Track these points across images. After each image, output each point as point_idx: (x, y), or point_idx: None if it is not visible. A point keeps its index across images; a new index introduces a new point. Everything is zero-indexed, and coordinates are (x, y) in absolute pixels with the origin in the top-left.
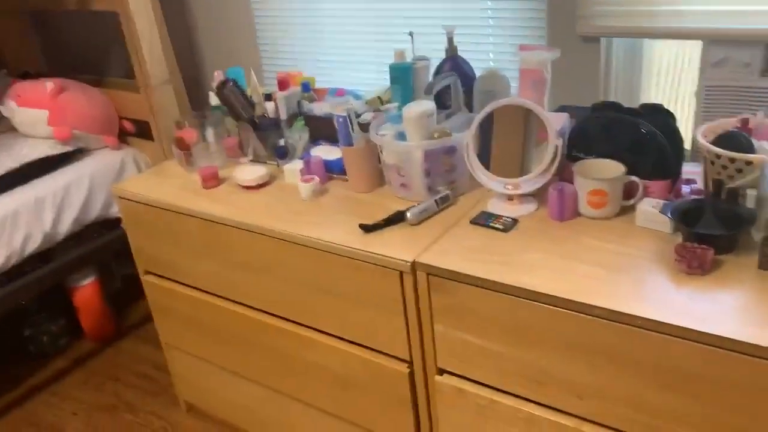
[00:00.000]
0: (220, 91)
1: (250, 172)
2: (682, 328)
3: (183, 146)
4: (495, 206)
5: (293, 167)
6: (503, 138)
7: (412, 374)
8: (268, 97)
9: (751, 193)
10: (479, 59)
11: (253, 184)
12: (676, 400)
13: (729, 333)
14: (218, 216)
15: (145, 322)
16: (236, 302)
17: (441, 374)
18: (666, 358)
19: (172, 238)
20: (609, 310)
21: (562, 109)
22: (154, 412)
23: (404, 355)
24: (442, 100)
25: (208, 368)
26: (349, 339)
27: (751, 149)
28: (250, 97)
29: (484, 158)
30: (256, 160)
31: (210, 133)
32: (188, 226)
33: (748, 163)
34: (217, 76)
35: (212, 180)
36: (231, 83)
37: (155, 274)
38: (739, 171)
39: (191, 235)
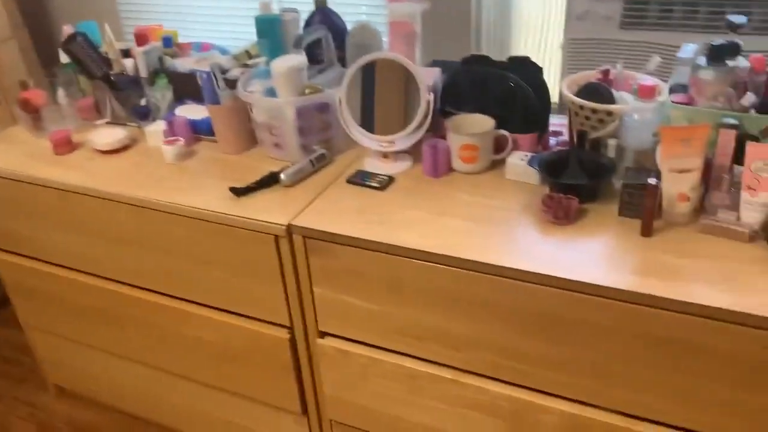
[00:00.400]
0: (67, 46)
1: (107, 135)
2: (548, 276)
3: (29, 109)
4: (371, 164)
5: (156, 129)
6: (385, 95)
7: (293, 339)
8: (127, 53)
9: (612, 142)
10: (352, 12)
11: (112, 148)
12: (545, 346)
13: (591, 279)
14: (73, 185)
15: (3, 304)
16: (101, 277)
17: (322, 337)
18: (535, 306)
19: (23, 212)
20: (480, 262)
21: (435, 63)
22: (20, 398)
23: (284, 320)
24: (314, 55)
25: (76, 348)
26: (226, 309)
27: (611, 100)
28: (105, 53)
29: (369, 117)
30: (116, 122)
31: (61, 93)
32: (41, 198)
33: (609, 113)
34: (66, 31)
35: (65, 145)
36: (80, 38)
37: (8, 251)
38: (601, 121)
39: (45, 207)
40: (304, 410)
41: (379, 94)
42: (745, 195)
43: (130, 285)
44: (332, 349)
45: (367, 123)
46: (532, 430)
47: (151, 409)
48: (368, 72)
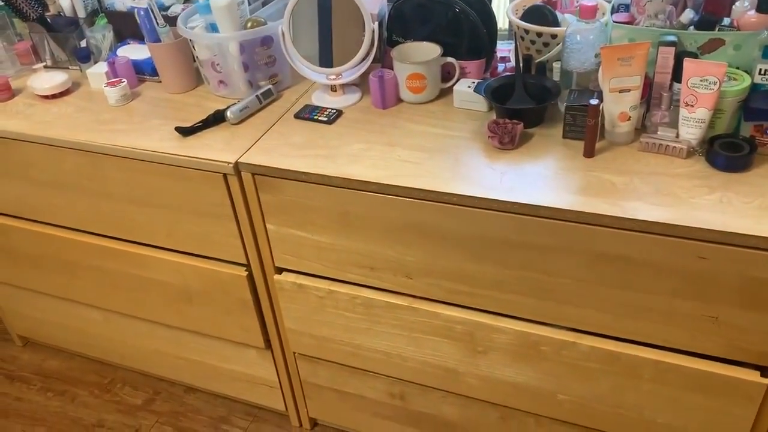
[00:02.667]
0: None
1: (47, 79)
2: (493, 200)
3: None
4: (319, 98)
5: (98, 71)
6: (341, 27)
7: (251, 276)
8: None
9: (557, 66)
10: None
11: (53, 92)
12: (494, 269)
13: (533, 200)
14: (14, 132)
15: None
16: (50, 224)
17: (279, 273)
18: (482, 231)
19: None
20: (426, 190)
21: None
22: None
23: (240, 258)
24: None
25: (34, 298)
26: (182, 250)
27: (556, 23)
28: None
29: (327, 51)
30: (56, 65)
31: None
32: None
33: (554, 36)
34: None
35: (3, 91)
36: None
37: None
38: (546, 45)
39: None
40: (268, 344)
41: (336, 27)
42: (683, 111)
43: (82, 231)
44: (289, 284)
45: (326, 57)
46: (486, 349)
47: (118, 354)
48: (324, 4)
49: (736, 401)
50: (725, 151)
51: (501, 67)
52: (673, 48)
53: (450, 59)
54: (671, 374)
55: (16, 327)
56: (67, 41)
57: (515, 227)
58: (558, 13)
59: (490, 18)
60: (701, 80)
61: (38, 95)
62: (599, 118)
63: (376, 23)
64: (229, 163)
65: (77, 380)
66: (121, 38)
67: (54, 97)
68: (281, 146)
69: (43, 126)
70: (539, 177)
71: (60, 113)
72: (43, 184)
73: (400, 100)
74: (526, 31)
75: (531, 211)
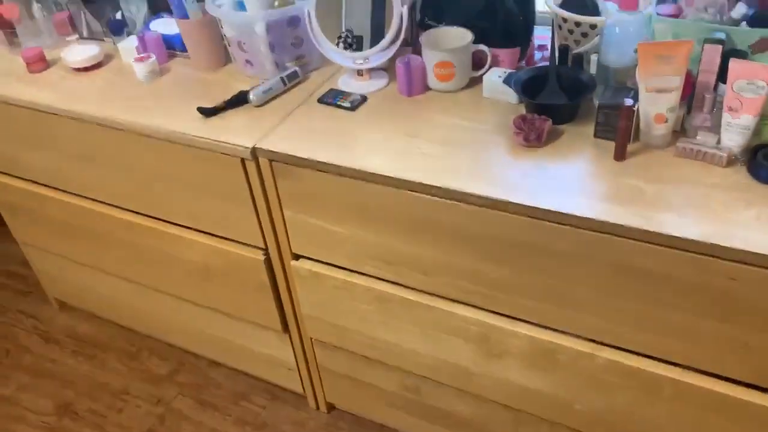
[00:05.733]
0: None
1: (80, 52)
2: (512, 203)
3: (3, 24)
4: (345, 83)
5: (130, 45)
6: (389, 7)
7: (268, 260)
8: None
9: (594, 58)
10: None
11: (85, 65)
12: (512, 272)
13: (555, 206)
14: (45, 105)
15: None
16: (81, 196)
17: (297, 259)
18: (501, 233)
19: (1, 131)
20: (444, 188)
21: None
22: (24, 310)
23: (258, 242)
24: None
25: (68, 264)
26: (202, 230)
27: (597, 12)
28: None
29: (379, 31)
30: (91, 37)
31: (36, 7)
32: (17, 117)
33: (593, 26)
34: None
35: (38, 62)
36: None
37: None
38: (585, 35)
39: (22, 126)
40: (286, 328)
41: (387, 9)
42: (726, 116)
43: (108, 204)
44: (306, 271)
45: (378, 39)
46: (501, 353)
47: (145, 324)
48: None
49: (762, 430)
50: None
51: (538, 55)
52: (720, 46)
53: (481, 47)
54: (692, 395)
55: (53, 290)
56: (103, 12)
57: (535, 231)
58: (600, 2)
59: (527, 4)
60: (748, 83)
61: (71, 67)
62: (633, 120)
63: (405, 6)
64: (246, 147)
65: (107, 346)
66: (155, 11)
67: (86, 69)
68: (301, 132)
69: (72, 99)
70: (564, 180)
71: (90, 87)
72: (72, 157)
73: (428, 88)
74: (564, 20)
75: (551, 217)
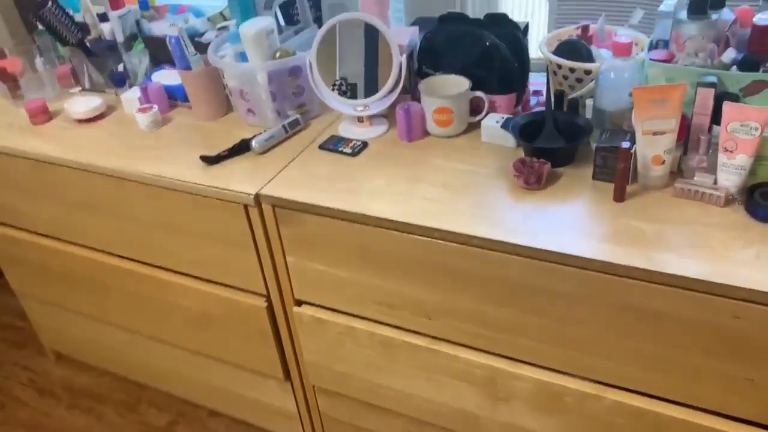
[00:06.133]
0: (38, 12)
1: (83, 103)
2: (514, 245)
3: (6, 78)
4: (346, 129)
5: (132, 96)
6: (383, 56)
7: (270, 307)
8: (104, 17)
9: (590, 103)
10: None
11: (87, 116)
12: (516, 314)
13: (557, 247)
14: (48, 156)
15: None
16: (82, 246)
17: (299, 305)
18: (504, 275)
19: (3, 182)
20: (447, 231)
21: (418, 21)
22: (20, 363)
23: (260, 289)
24: (290, 16)
25: (66, 314)
26: (204, 277)
27: (590, 58)
28: (83, 17)
29: (372, 80)
30: (94, 89)
31: (39, 60)
32: (20, 168)
33: (587, 72)
34: None
35: (41, 114)
36: (49, 4)
37: None
38: (579, 81)
39: (24, 177)
40: (287, 376)
41: (380, 56)
42: (722, 157)
43: (108, 253)
44: (309, 317)
45: (371, 86)
46: (506, 396)
47: (144, 374)
48: (371, 33)
49: None
50: (766, 201)
51: (534, 100)
52: (713, 89)
53: (478, 93)
54: None
55: (50, 341)
56: (105, 65)
57: (537, 273)
58: (593, 48)
59: (522, 52)
60: (741, 125)
61: (74, 119)
62: (631, 161)
63: (404, 55)
64: (249, 194)
65: (105, 398)
66: (157, 63)
67: (89, 121)
68: (303, 178)
69: (76, 150)
70: (564, 221)
71: (93, 137)
72: (75, 206)
73: (427, 133)
74: (559, 66)
75: (554, 258)
